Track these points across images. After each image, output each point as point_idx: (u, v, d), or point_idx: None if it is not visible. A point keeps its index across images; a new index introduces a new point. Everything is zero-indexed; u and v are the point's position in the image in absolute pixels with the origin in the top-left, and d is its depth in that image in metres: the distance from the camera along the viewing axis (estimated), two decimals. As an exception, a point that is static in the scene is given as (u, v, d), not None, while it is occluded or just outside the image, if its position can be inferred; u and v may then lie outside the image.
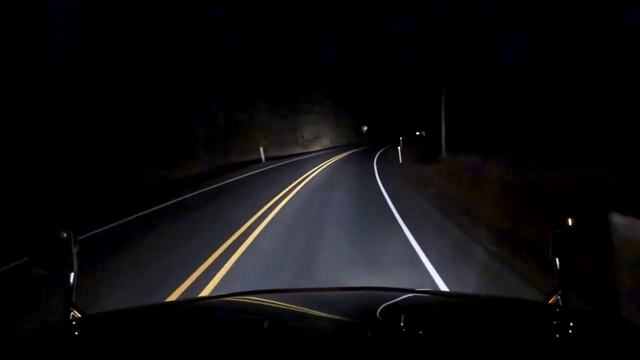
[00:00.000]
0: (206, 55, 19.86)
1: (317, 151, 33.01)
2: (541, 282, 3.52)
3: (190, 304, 1.52)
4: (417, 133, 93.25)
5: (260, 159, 21.10)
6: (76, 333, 1.01)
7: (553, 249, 1.14)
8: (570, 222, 1.13)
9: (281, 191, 10.03)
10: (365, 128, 51.23)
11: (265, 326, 0.99)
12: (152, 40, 15.20)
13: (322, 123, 42.82)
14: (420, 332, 0.90)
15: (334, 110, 47.01)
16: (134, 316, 1.13)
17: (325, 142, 41.56)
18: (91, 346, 0.87)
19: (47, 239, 1.19)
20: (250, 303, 1.28)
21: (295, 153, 29.21)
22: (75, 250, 1.16)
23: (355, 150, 32.10)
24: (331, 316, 1.09)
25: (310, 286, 3.73)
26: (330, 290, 1.63)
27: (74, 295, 1.14)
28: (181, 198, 10.01)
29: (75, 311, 1.11)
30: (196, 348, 0.78)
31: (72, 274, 1.16)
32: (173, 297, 3.68)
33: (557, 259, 1.14)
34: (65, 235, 1.16)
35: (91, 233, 6.50)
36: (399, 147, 19.02)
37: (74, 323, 1.09)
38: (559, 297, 1.10)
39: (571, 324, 0.96)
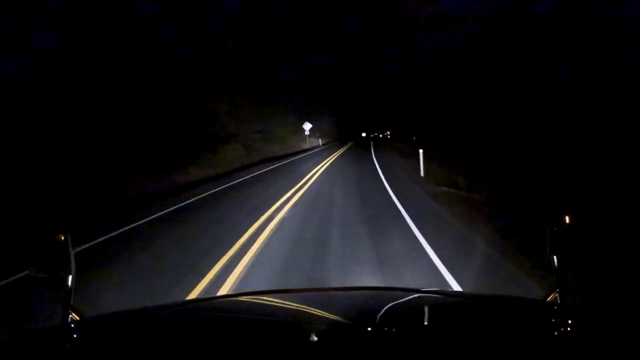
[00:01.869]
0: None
1: (169, 209, 10.30)
2: None
3: (190, 305, 1.52)
4: (364, 135, 78.21)
5: None
6: (74, 336, 1.00)
7: (550, 247, 1.12)
8: (567, 219, 1.10)
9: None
10: (309, 127, 32.32)
11: (268, 327, 0.98)
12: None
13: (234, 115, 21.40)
14: (422, 332, 0.90)
15: (256, 97, 26.39)
16: (133, 318, 1.11)
17: (230, 156, 19.21)
18: (89, 349, 0.85)
19: (46, 241, 1.18)
20: (253, 303, 1.28)
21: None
22: (73, 252, 1.15)
23: (302, 189, 9.89)
24: (335, 317, 1.08)
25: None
26: (335, 291, 1.63)
27: (72, 298, 1.12)
28: None
29: (73, 314, 1.10)
30: (196, 350, 0.76)
31: (70, 277, 1.14)
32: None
33: (554, 257, 1.12)
34: (63, 238, 1.14)
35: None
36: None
37: (72, 326, 1.09)
38: (557, 294, 1.10)
39: (569, 322, 0.96)
